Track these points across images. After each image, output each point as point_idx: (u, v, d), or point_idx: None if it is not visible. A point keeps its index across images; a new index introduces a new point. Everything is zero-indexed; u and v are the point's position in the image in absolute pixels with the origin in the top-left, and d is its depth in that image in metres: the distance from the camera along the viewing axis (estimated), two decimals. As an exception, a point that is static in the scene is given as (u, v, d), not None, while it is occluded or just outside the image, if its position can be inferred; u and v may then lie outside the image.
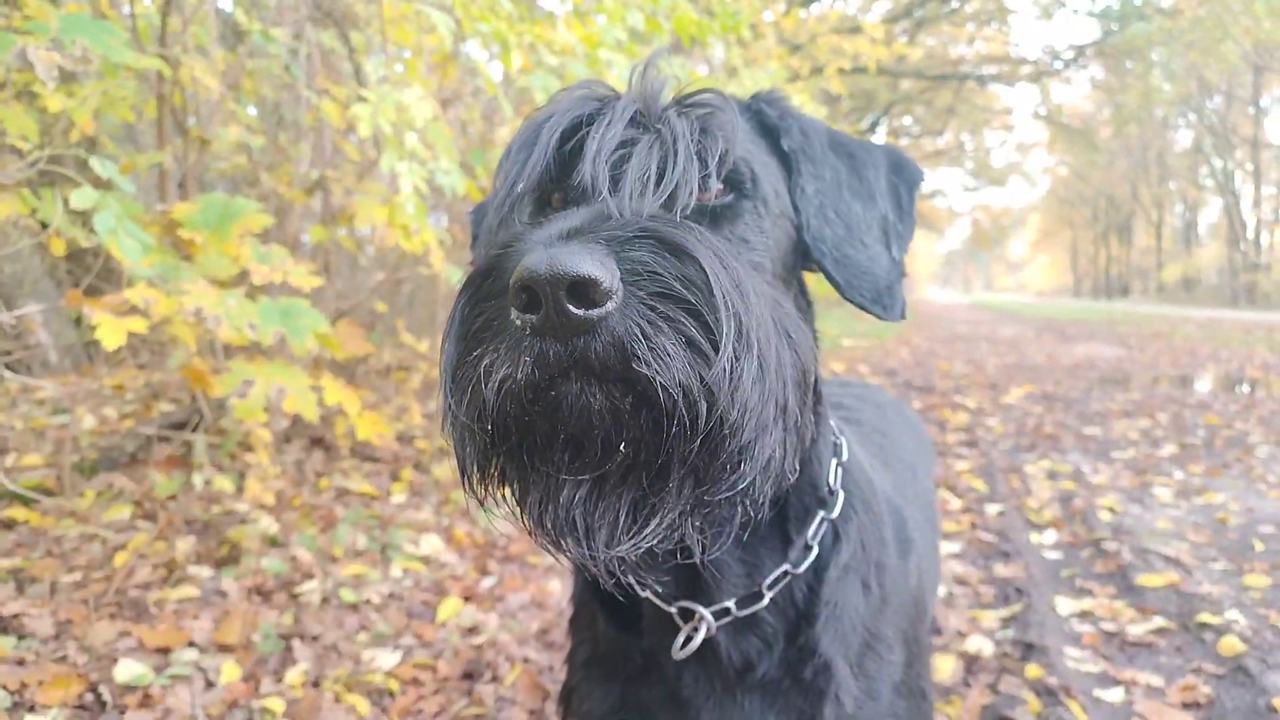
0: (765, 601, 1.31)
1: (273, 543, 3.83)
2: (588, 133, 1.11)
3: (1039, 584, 3.83)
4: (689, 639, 1.30)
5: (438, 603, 3.52)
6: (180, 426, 4.44)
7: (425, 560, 3.95)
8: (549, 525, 0.98)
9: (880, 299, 1.32)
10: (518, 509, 1.01)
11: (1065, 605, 3.63)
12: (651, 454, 0.93)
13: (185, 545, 3.61)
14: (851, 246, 1.33)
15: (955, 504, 5.17)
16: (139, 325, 2.43)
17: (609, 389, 0.88)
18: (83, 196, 2.36)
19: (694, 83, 1.23)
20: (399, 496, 4.70)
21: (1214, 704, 2.83)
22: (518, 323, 0.88)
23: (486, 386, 0.91)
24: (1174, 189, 60.46)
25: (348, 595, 3.48)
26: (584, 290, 0.83)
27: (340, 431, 4.64)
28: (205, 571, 3.51)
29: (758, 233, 1.20)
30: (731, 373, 0.89)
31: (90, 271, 4.29)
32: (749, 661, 1.33)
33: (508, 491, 1.01)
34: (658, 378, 0.86)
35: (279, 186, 4.75)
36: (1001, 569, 4.00)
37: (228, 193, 5.47)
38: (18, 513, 3.65)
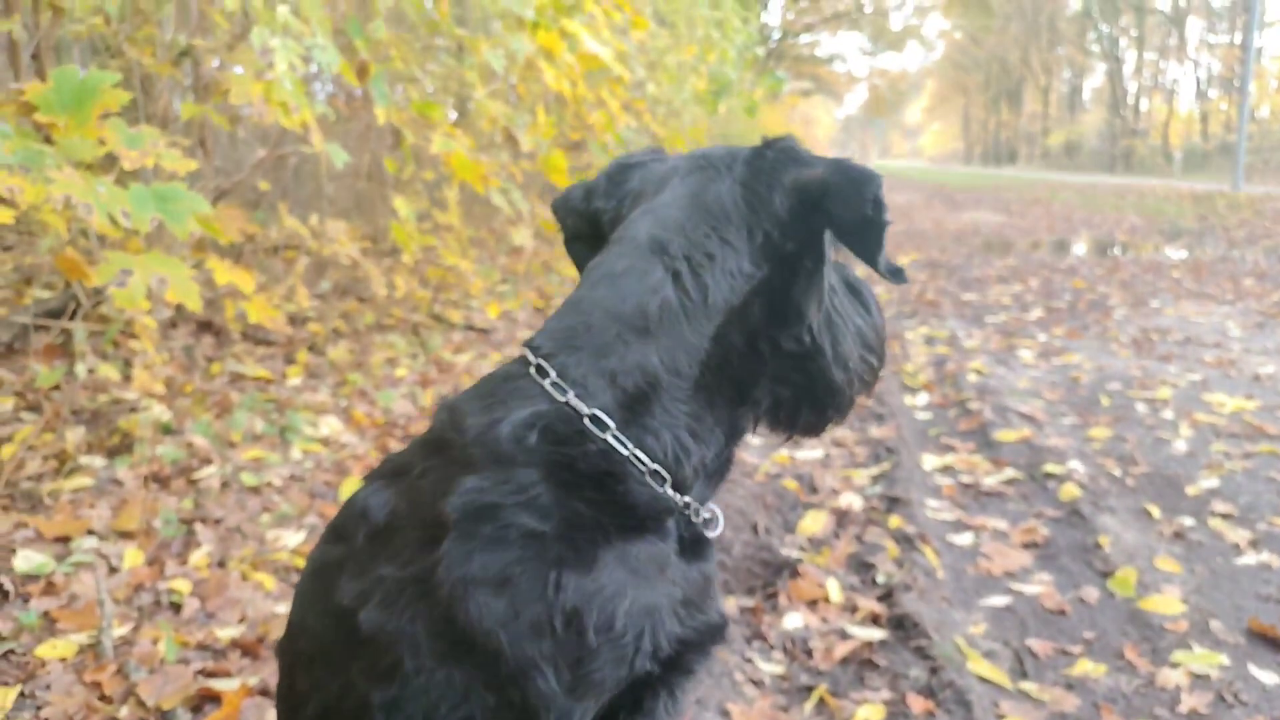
0: None
1: (166, 430, 3.81)
2: None
3: (908, 443, 4.15)
4: None
5: (340, 483, 3.61)
6: (57, 314, 4.28)
7: (325, 441, 4.00)
8: None
9: None
10: None
11: (930, 461, 3.96)
12: None
13: (75, 435, 3.56)
14: None
15: (838, 370, 5.46)
16: (5, 215, 2.33)
17: None
18: (-75, 79, 2.21)
19: None
20: (295, 379, 4.69)
21: (1050, 543, 3.19)
22: None
23: None
24: (1062, 55, 61.66)
25: (248, 479, 3.53)
26: None
27: (230, 315, 4.56)
28: (98, 461, 3.49)
29: None
30: None
31: (-61, 151, 4.00)
32: None
33: None
34: None
35: (143, 57, 4.45)
36: (875, 430, 4.31)
37: (88, 60, 5.11)
38: (-111, 408, 3.53)
